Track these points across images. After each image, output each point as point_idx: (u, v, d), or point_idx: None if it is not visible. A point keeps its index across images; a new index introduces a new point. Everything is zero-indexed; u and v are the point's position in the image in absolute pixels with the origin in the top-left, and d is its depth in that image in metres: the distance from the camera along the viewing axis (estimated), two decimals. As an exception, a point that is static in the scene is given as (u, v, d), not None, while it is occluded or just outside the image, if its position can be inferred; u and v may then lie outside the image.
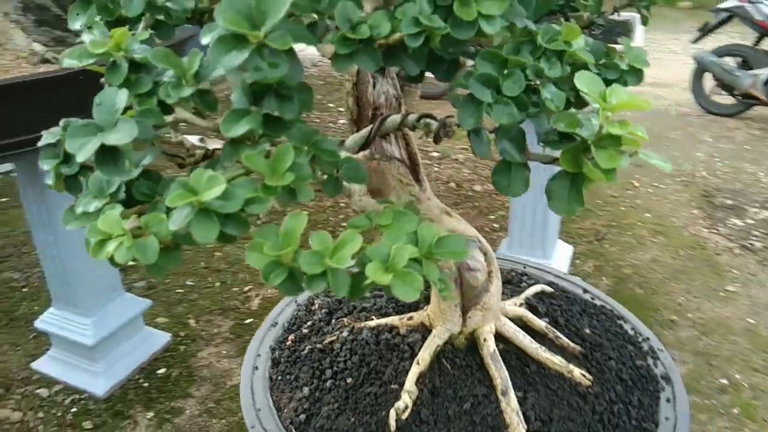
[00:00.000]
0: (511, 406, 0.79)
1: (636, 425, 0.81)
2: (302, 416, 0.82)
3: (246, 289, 2.04)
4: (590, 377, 0.85)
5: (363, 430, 0.78)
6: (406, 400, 0.78)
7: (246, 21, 0.43)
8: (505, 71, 0.51)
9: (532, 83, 0.51)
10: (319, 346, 0.92)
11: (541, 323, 0.93)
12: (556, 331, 0.92)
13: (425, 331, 0.88)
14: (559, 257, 2.04)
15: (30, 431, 1.49)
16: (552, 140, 0.55)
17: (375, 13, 0.47)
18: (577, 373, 0.85)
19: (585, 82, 0.51)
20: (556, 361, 0.86)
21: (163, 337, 1.75)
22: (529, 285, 1.08)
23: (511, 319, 0.91)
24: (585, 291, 1.12)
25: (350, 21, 0.48)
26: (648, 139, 0.56)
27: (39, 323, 1.61)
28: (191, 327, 1.85)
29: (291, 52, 0.45)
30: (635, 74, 0.76)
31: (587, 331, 0.97)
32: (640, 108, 0.52)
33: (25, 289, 2.05)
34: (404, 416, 0.77)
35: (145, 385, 1.61)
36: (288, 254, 0.44)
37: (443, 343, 0.84)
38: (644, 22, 0.80)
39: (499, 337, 0.88)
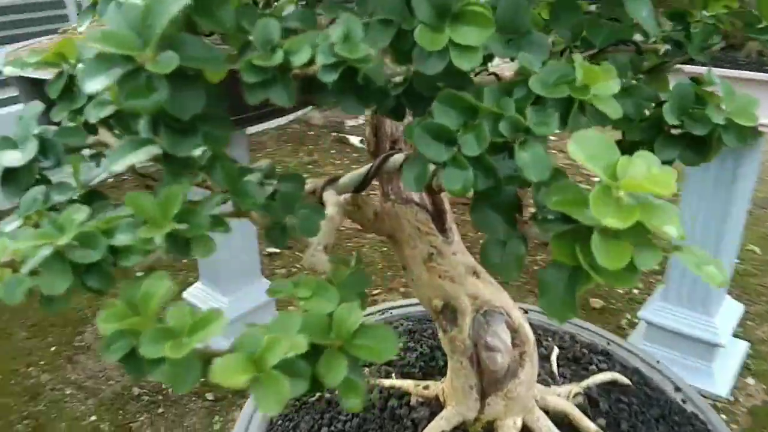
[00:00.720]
0: None
1: None
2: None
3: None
4: None
5: None
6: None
7: (129, 38, 0.36)
8: (469, 122, 0.37)
9: (507, 141, 0.37)
10: (327, 395, 0.82)
11: (591, 426, 0.74)
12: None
13: (438, 407, 0.75)
14: (725, 315, 1.74)
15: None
16: (542, 218, 0.40)
17: (297, 37, 0.37)
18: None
19: (582, 146, 0.36)
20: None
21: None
22: (600, 370, 0.88)
23: (551, 413, 0.74)
24: (677, 389, 0.89)
25: (270, 43, 0.38)
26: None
27: (187, 294, 1.82)
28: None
29: (179, 76, 0.36)
30: (735, 132, 0.57)
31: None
32: (661, 190, 0.35)
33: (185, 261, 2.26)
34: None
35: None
36: (134, 325, 0.36)
37: (450, 429, 0.69)
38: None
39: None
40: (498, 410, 0.70)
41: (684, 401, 0.87)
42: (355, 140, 4.19)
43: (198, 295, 1.80)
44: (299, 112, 4.56)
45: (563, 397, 0.78)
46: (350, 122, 4.53)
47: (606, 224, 0.34)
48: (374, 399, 0.79)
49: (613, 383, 0.85)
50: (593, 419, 0.76)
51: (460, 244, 0.70)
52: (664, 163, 0.39)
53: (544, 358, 0.90)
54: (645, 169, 0.36)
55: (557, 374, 0.88)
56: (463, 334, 0.68)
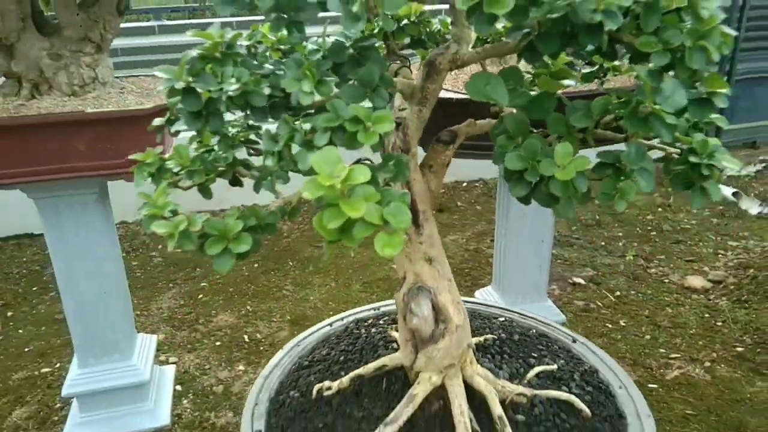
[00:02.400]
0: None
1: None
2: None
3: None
4: None
5: None
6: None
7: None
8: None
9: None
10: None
11: (498, 410, 0.92)
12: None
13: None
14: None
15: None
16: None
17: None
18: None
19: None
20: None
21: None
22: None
23: (475, 390, 0.88)
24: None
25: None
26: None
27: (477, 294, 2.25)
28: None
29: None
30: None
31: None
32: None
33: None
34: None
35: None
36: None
37: (391, 366, 0.89)
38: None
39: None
40: (421, 364, 0.87)
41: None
42: (727, 192, 3.65)
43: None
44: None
45: (505, 391, 0.88)
46: (730, 171, 3.83)
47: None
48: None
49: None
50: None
51: (430, 238, 0.80)
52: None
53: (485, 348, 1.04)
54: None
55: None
56: (400, 296, 0.86)
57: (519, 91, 0.71)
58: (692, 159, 0.69)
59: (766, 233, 3.31)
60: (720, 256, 3.07)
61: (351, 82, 0.69)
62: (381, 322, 1.17)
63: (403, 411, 0.86)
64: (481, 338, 1.06)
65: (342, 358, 1.03)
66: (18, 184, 1.54)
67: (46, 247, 1.72)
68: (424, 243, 0.85)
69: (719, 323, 2.47)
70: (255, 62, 0.76)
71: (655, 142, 0.75)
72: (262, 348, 2.37)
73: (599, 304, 2.65)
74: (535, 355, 1.04)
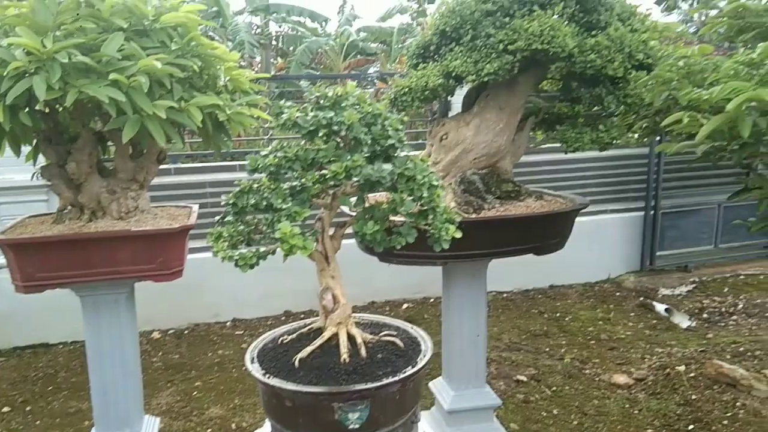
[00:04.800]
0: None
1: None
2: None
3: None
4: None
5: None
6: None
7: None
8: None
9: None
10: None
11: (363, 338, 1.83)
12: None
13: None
14: None
15: None
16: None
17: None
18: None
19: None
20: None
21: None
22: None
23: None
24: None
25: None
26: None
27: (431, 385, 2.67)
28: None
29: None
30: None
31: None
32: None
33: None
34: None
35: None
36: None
37: (316, 326, 1.86)
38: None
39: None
40: (327, 323, 1.74)
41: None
42: (660, 308, 4.33)
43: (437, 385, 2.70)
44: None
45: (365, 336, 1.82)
46: (665, 291, 4.66)
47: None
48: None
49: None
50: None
51: (334, 269, 1.44)
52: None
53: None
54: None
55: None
56: (319, 291, 1.66)
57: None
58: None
59: (690, 342, 3.81)
60: (646, 360, 3.55)
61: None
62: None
63: (317, 342, 1.82)
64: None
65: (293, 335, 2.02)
66: (74, 283, 2.08)
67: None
68: (331, 270, 1.80)
69: (636, 411, 2.92)
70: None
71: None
72: (247, 434, 2.77)
73: (537, 397, 3.09)
74: (386, 331, 2.04)
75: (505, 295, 4.78)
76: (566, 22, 2.06)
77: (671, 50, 2.49)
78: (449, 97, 2.56)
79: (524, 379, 3.29)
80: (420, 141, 4.90)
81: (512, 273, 4.35)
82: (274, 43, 13.24)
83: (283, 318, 4.39)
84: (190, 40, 1.76)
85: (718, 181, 5.05)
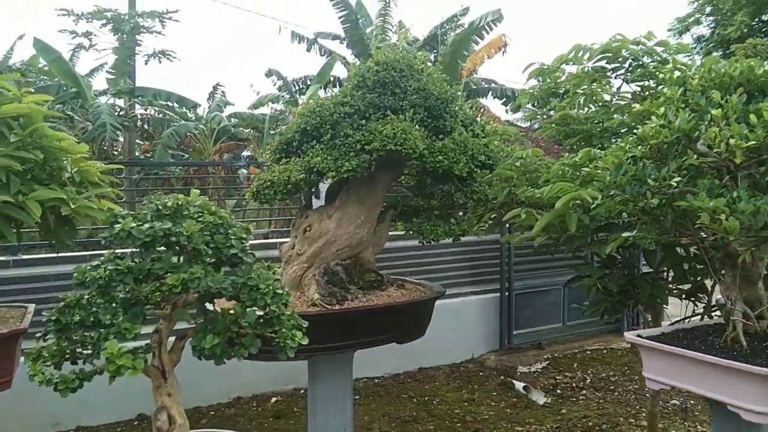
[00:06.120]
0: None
1: None
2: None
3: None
4: None
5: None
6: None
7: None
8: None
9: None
10: None
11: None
12: None
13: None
14: None
15: None
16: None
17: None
18: None
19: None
20: None
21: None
22: None
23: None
24: None
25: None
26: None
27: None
28: None
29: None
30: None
31: None
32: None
33: None
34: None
35: None
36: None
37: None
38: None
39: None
40: None
41: None
42: (519, 386, 4.51)
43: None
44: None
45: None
46: (522, 368, 4.91)
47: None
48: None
49: None
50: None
51: (171, 385, 1.46)
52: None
53: None
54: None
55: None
56: (154, 412, 1.43)
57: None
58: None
59: (546, 419, 4.02)
60: (507, 438, 3.67)
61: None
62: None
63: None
64: None
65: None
66: None
67: None
68: (168, 386, 1.68)
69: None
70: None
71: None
72: None
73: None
74: None
75: (376, 380, 4.76)
76: (417, 126, 2.25)
77: (510, 150, 2.79)
78: (312, 190, 2.64)
79: (393, 470, 3.24)
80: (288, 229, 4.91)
81: (382, 358, 4.37)
82: (139, 124, 12.83)
83: (136, 422, 4.00)
84: (33, 132, 1.68)
85: (561, 264, 5.55)
